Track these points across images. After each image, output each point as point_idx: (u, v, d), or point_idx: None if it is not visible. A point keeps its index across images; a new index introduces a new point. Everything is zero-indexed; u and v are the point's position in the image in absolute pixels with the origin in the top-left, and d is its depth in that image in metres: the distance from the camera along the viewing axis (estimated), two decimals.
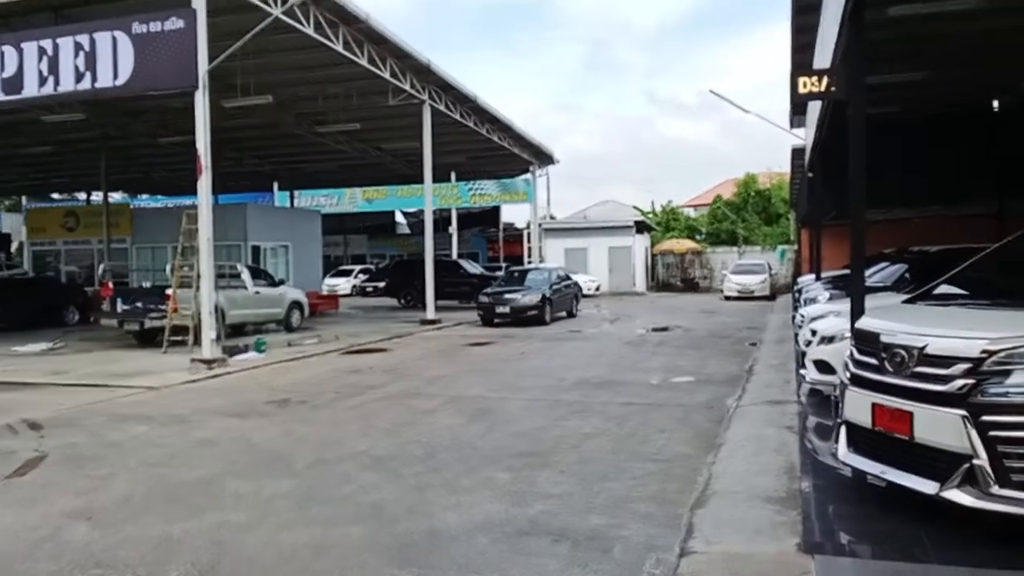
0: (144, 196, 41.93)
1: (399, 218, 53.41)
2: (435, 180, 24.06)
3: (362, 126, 22.37)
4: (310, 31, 14.89)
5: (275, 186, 36.53)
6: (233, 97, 17.94)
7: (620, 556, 4.44)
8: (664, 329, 18.87)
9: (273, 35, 15.02)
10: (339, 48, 15.96)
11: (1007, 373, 4.07)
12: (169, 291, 15.07)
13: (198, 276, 13.41)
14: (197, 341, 13.53)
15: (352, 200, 43.22)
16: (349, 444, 7.37)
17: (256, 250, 23.67)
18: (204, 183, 12.77)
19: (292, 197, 35.41)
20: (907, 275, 10.64)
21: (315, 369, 12.91)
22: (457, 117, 22.41)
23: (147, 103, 19.33)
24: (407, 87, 19.17)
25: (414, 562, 4.42)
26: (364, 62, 17.00)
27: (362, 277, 41.36)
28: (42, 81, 13.27)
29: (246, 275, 18.39)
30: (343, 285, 39.34)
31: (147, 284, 20.03)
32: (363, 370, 12.57)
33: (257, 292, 18.32)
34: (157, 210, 33.86)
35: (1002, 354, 4.09)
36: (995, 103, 16.13)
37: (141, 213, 28.87)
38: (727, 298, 31.70)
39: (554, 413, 8.68)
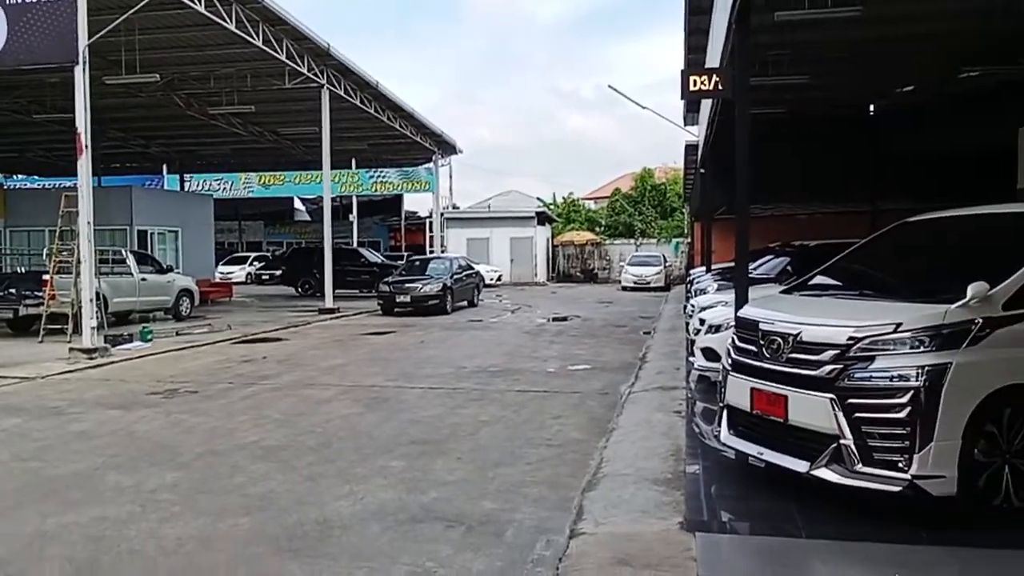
0: (20, 176, 39.26)
1: (298, 204, 52.08)
2: (335, 167, 23.67)
3: (257, 109, 21.68)
4: (200, 8, 14.32)
5: (164, 169, 34.98)
6: (117, 74, 17.06)
7: (512, 539, 4.52)
8: (563, 319, 19.19)
9: (161, 10, 14.41)
10: (232, 27, 15.41)
11: (871, 358, 4.37)
12: (46, 277, 14.22)
13: (78, 262, 12.71)
14: (77, 330, 12.83)
15: (247, 185, 41.88)
16: (240, 435, 7.18)
17: (143, 235, 22.60)
18: (84, 164, 12.09)
19: (182, 181, 33.93)
20: (789, 267, 11.20)
21: (205, 359, 12.48)
22: (357, 103, 22.03)
23: (22, 77, 18.09)
24: (304, 70, 18.71)
25: (304, 552, 4.36)
26: (259, 43, 16.48)
27: (258, 265, 40.17)
28: None
29: (131, 261, 17.61)
30: (237, 273, 38.12)
31: (22, 269, 18.93)
32: (256, 359, 12.23)
33: (143, 279, 17.55)
34: (34, 191, 31.91)
35: (866, 341, 4.39)
36: (871, 107, 17.17)
37: (16, 194, 27.13)
38: (624, 288, 32.54)
39: (452, 401, 8.71)
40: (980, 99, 14.42)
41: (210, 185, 39.92)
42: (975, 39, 11.47)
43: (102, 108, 19.34)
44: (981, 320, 4.24)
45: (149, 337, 14.00)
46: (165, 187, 34.59)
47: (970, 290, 4.23)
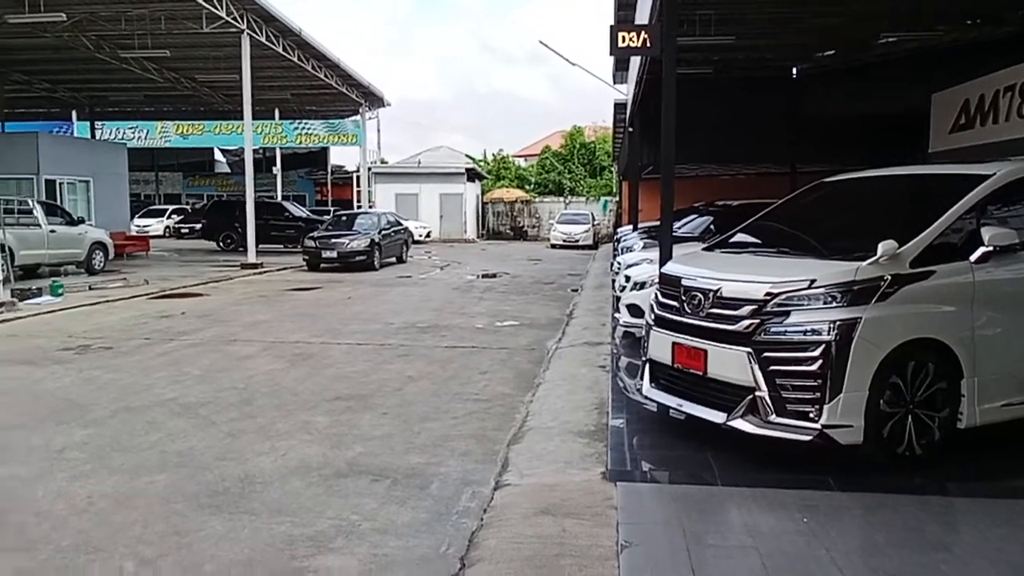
0: None
1: (218, 156, 50.21)
2: (257, 117, 22.90)
3: (173, 54, 20.72)
4: None
5: (74, 115, 33.16)
6: (19, 12, 15.99)
7: (437, 492, 4.54)
8: (492, 276, 19.21)
9: None
10: None
11: (787, 313, 4.50)
12: None
13: None
14: None
15: (164, 134, 40.01)
16: (157, 391, 6.97)
17: (51, 185, 21.47)
18: None
19: (93, 128, 32.23)
20: (712, 226, 11.44)
21: (121, 314, 12.02)
22: (280, 51, 21.24)
23: None
24: (223, 14, 17.88)
25: (225, 508, 4.29)
26: None
27: (176, 218, 38.77)
28: None
29: (39, 212, 16.74)
30: (155, 226, 36.78)
31: None
32: (175, 315, 11.86)
33: (53, 231, 16.75)
34: None
35: (782, 296, 4.52)
36: (794, 70, 17.51)
37: None
38: (553, 246, 32.74)
39: (378, 357, 8.65)
40: (897, 64, 14.86)
41: (124, 133, 37.99)
42: (895, 5, 11.77)
43: (4, 49, 18.19)
44: (890, 277, 4.41)
45: (60, 291, 13.40)
46: (75, 134, 32.85)
47: (880, 248, 4.39)
